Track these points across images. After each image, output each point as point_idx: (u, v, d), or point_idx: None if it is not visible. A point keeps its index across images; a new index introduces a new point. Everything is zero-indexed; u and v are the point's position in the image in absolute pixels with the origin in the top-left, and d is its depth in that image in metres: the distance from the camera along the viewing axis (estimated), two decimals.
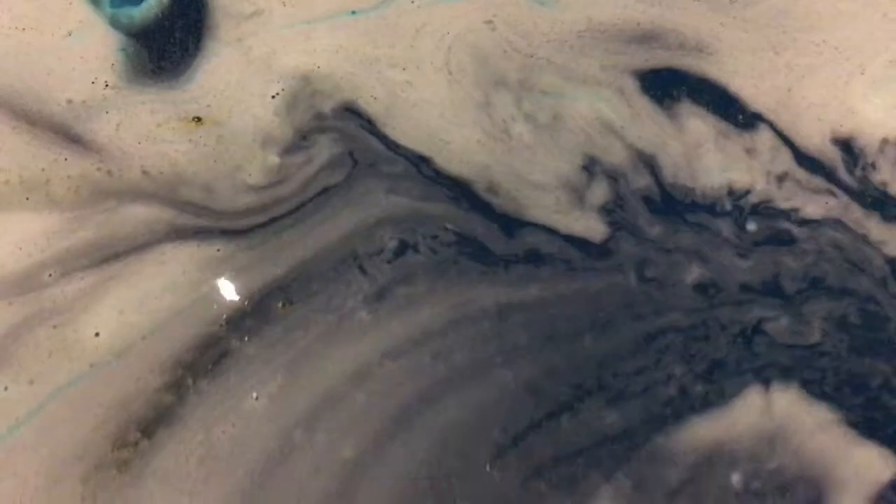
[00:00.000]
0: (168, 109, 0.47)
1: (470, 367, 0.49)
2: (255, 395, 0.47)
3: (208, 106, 0.48)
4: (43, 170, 0.45)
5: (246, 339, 0.47)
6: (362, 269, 0.49)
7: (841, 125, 0.52)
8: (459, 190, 0.50)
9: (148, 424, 0.46)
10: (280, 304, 0.48)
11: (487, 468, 0.49)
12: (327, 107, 0.51)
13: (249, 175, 0.49)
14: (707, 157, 0.52)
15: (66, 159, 0.46)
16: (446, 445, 0.48)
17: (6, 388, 0.44)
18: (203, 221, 0.48)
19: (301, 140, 0.50)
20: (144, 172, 0.47)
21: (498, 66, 0.51)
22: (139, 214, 0.47)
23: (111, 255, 0.46)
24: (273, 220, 0.49)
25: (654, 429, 0.49)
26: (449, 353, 0.49)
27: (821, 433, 0.50)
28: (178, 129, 0.47)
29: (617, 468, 0.48)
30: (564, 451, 0.48)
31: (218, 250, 0.48)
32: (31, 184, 0.45)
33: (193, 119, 0.48)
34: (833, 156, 0.53)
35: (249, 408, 0.47)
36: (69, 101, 0.46)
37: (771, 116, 0.53)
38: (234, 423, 0.47)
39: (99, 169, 0.46)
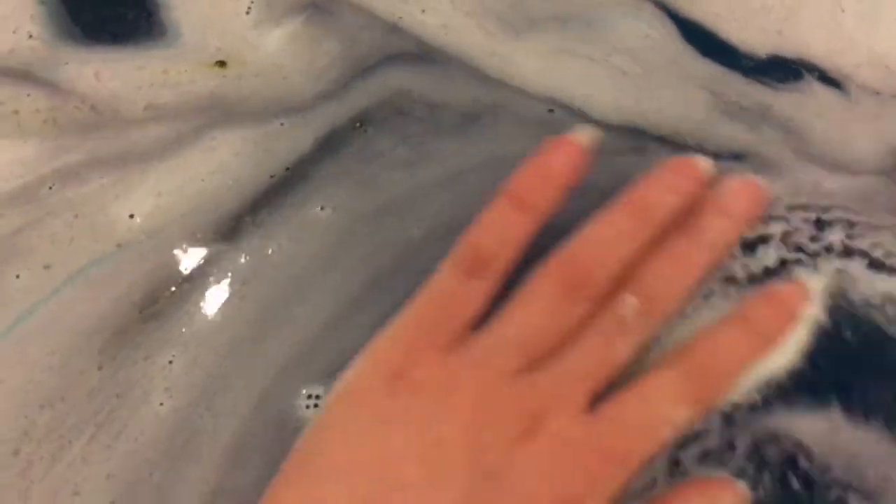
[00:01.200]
0: (162, 64, 0.44)
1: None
2: (320, 207, 0.41)
3: (218, 49, 0.45)
4: (2, 103, 0.42)
5: (317, 165, 0.42)
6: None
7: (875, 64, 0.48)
8: None
9: (190, 275, 0.40)
10: (358, 124, 0.44)
11: None
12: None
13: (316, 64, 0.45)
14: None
15: (28, 95, 0.42)
16: None
17: (18, 277, 0.39)
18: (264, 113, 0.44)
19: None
20: (148, 107, 0.43)
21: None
22: (154, 133, 0.43)
23: (133, 157, 0.42)
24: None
25: None
26: None
27: None
28: (197, 73, 0.45)
29: None
30: None
31: (282, 124, 0.43)
32: None
33: (216, 63, 0.45)
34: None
35: (312, 219, 0.41)
36: None
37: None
38: (290, 237, 0.41)
39: (78, 108, 0.42)
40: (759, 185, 0.36)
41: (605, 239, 0.33)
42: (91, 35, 0.44)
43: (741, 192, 0.35)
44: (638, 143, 0.44)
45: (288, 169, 0.43)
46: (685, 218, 0.34)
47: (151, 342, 0.38)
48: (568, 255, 0.32)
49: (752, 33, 0.48)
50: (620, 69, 0.46)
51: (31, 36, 0.43)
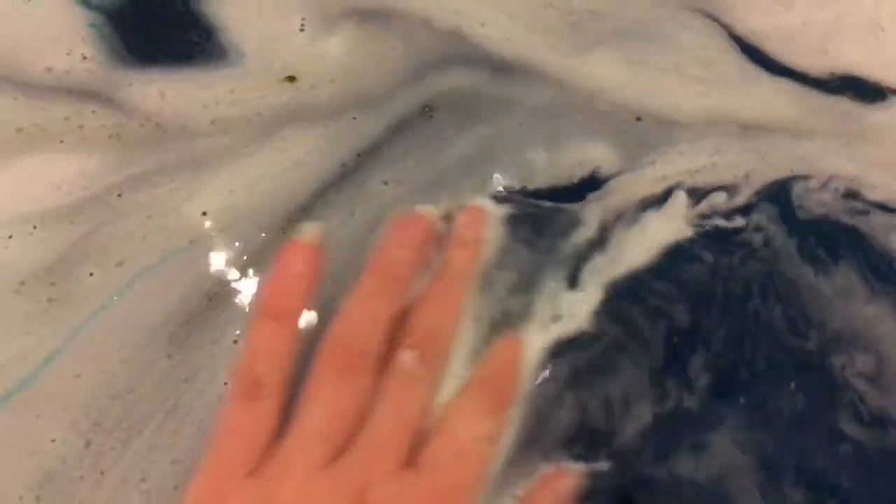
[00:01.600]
0: (228, 83, 0.44)
1: None
2: (384, 182, 0.41)
3: (283, 66, 0.44)
4: (67, 119, 0.42)
5: (384, 146, 0.42)
6: None
7: None
8: None
9: (258, 260, 0.39)
10: (426, 109, 0.43)
11: None
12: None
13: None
14: None
15: (93, 111, 0.42)
16: None
17: (91, 274, 0.38)
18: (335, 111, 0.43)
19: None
20: (214, 122, 0.43)
21: (553, 25, 0.47)
22: (223, 141, 0.42)
23: (203, 161, 0.42)
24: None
25: None
26: None
27: None
28: (267, 89, 0.44)
29: None
30: None
31: (354, 118, 0.43)
32: (58, 130, 0.41)
33: (286, 79, 0.45)
34: None
35: (376, 192, 0.40)
36: (49, 70, 0.43)
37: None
38: (354, 211, 0.40)
39: (143, 125, 0.42)
40: (479, 209, 0.38)
41: (360, 309, 0.34)
42: (146, 56, 0.44)
43: (467, 220, 0.38)
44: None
45: (359, 155, 0.42)
46: (437, 261, 0.36)
47: (218, 324, 0.37)
48: (334, 337, 0.33)
49: (801, 53, 0.46)
50: (697, 78, 0.45)
51: (84, 57, 0.43)
